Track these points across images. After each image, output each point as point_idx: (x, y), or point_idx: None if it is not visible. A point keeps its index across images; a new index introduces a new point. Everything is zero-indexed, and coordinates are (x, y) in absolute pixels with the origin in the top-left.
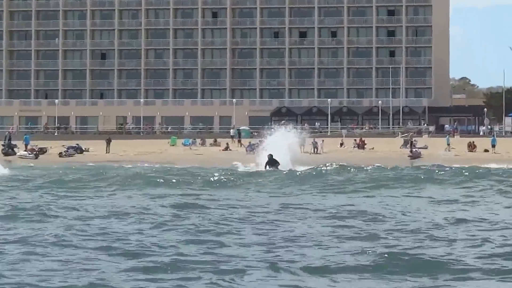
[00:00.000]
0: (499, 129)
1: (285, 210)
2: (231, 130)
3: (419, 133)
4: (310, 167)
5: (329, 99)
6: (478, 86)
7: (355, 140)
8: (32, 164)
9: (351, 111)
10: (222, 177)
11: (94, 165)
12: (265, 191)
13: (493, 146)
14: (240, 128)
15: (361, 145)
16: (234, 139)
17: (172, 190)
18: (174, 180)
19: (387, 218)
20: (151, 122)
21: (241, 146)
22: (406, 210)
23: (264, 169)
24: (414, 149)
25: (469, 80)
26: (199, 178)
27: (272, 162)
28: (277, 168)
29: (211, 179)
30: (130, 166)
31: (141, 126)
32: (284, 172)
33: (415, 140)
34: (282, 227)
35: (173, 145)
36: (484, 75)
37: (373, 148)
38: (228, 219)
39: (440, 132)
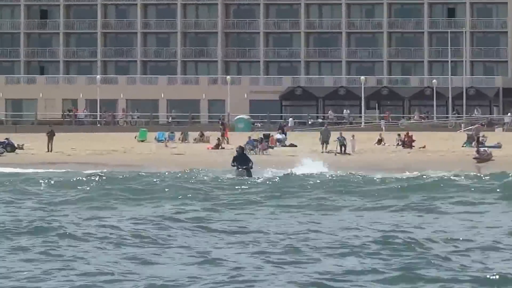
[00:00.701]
0: None
1: None
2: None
3: (490, 125)
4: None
5: (362, 77)
6: None
7: (399, 135)
8: None
9: (394, 94)
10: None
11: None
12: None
13: None
14: (238, 116)
15: (407, 143)
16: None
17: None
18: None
19: None
20: (112, 108)
21: (224, 141)
22: None
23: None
24: (482, 149)
25: None
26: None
27: (242, 159)
28: (249, 169)
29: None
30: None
31: (98, 113)
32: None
33: (483, 136)
34: None
35: (142, 141)
36: None
37: (424, 147)
38: None
39: None
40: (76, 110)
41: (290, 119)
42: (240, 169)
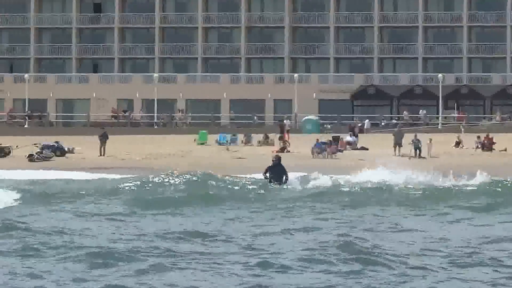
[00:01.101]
0: None
1: None
2: (286, 121)
3: None
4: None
5: (440, 74)
6: None
7: (478, 137)
8: None
9: (474, 93)
10: None
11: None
12: None
13: None
14: (306, 117)
15: (487, 145)
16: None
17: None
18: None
19: None
20: (170, 109)
21: (285, 143)
22: None
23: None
24: None
25: None
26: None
27: (276, 170)
28: (283, 181)
29: None
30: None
31: (155, 114)
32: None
33: None
34: None
35: (202, 143)
36: None
37: (505, 150)
38: None
39: None
40: (130, 112)
41: (367, 120)
42: (273, 183)
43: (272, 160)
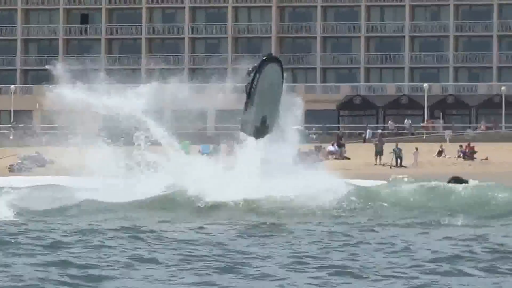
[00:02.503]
0: None
1: None
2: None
3: None
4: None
5: (425, 84)
6: None
7: (461, 146)
8: None
9: (460, 102)
10: None
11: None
12: None
13: None
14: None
15: (468, 154)
16: None
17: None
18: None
19: None
20: (157, 118)
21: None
22: None
23: None
24: None
25: None
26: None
27: None
28: None
29: None
30: None
31: None
32: None
33: None
34: None
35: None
36: None
37: (486, 159)
38: None
39: None
40: None
41: (368, 130)
42: None
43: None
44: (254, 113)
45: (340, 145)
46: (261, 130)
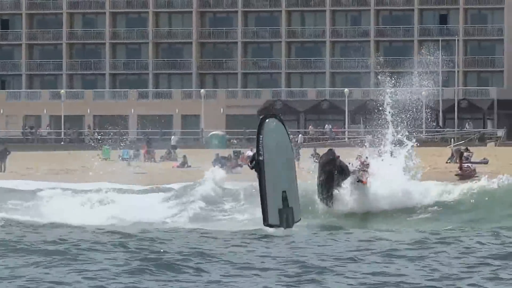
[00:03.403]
0: None
1: None
2: (172, 138)
3: (482, 140)
4: None
5: (346, 89)
6: None
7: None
8: None
9: (381, 107)
10: None
11: None
12: None
13: None
14: (212, 133)
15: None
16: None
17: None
18: None
19: None
20: (79, 125)
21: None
22: None
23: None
24: (465, 165)
25: None
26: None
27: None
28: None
29: None
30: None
31: (62, 130)
32: None
33: (469, 152)
34: None
35: (105, 159)
36: None
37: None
38: None
39: None
40: (37, 129)
41: (300, 135)
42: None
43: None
44: (270, 190)
45: None
46: (286, 214)
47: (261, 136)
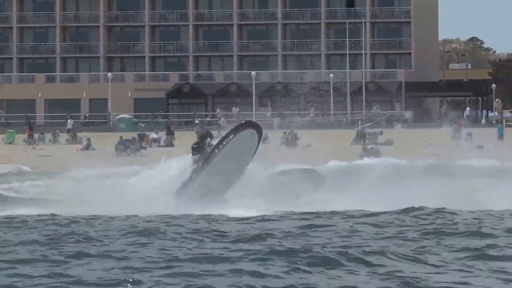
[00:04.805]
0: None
1: None
2: (68, 121)
3: (389, 122)
4: None
5: (253, 72)
6: (495, 51)
7: (285, 133)
8: None
9: (289, 90)
10: None
11: None
12: None
13: (501, 136)
14: (119, 116)
15: (291, 140)
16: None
17: None
18: None
19: None
20: None
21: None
22: None
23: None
24: (369, 146)
25: (481, 42)
26: None
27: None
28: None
29: None
30: None
31: None
32: None
33: (372, 134)
34: None
35: (10, 143)
36: (506, 34)
37: (309, 145)
38: None
39: (424, 120)
40: None
41: (277, 119)
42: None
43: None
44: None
45: (170, 133)
46: None
47: (231, 136)
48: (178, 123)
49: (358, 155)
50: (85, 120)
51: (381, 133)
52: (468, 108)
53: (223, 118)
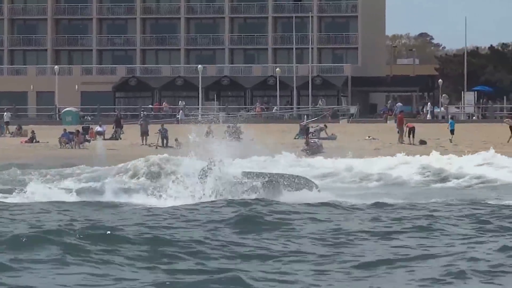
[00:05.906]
0: (458, 109)
1: None
2: (5, 114)
3: (334, 116)
4: None
5: (199, 66)
6: (444, 47)
7: (229, 127)
8: None
9: (236, 84)
10: None
11: None
12: None
13: (452, 132)
14: (65, 109)
15: (234, 135)
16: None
17: None
18: None
19: None
20: None
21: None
22: None
23: None
24: (312, 140)
25: (431, 38)
26: None
27: None
28: None
29: None
30: None
31: None
32: None
33: (316, 127)
34: None
35: None
36: (455, 31)
37: (252, 140)
38: None
39: (371, 114)
40: None
41: (181, 112)
42: None
43: None
44: None
45: (119, 126)
46: None
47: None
48: (124, 116)
49: (301, 149)
50: (30, 113)
51: (325, 127)
52: (429, 103)
53: (181, 111)
